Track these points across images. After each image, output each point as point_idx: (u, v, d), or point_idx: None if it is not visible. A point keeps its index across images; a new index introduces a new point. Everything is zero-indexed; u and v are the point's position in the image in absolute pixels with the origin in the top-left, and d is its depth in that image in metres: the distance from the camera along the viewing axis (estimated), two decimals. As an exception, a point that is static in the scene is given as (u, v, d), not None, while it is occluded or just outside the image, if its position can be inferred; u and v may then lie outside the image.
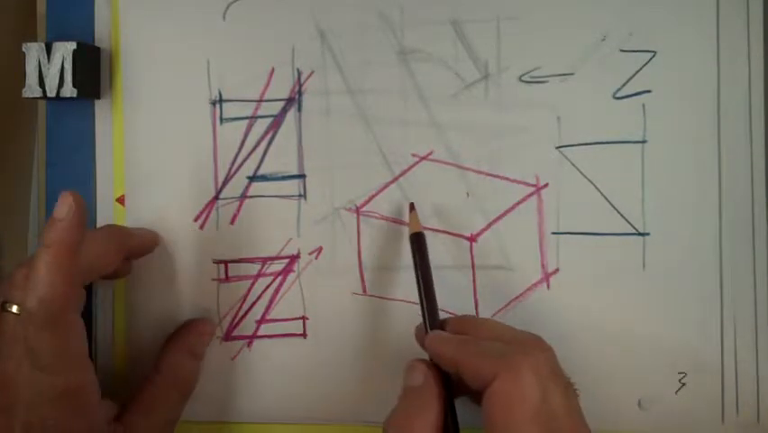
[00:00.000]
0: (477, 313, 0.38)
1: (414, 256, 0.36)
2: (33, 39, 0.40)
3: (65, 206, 0.32)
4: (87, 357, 0.33)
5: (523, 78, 0.37)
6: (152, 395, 0.36)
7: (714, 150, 0.37)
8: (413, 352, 0.38)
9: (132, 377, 0.38)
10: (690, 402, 0.37)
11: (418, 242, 0.36)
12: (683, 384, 0.37)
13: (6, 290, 0.33)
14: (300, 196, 0.39)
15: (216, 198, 0.39)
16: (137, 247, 0.37)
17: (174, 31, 0.39)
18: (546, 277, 0.38)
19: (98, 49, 0.39)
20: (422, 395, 0.32)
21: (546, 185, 0.38)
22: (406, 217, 0.38)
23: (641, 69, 0.37)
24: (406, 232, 0.38)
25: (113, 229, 0.37)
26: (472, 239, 0.38)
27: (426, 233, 0.38)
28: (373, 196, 0.38)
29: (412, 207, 0.37)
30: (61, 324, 0.32)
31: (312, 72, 0.38)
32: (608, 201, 0.37)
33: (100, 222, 0.39)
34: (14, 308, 0.32)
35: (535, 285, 0.38)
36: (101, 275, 0.35)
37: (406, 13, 0.38)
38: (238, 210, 0.39)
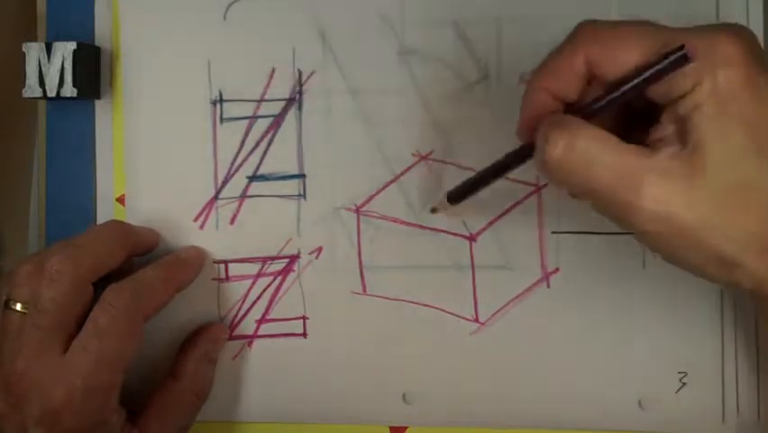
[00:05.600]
0: (476, 314, 0.38)
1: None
2: (33, 39, 0.40)
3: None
4: (115, 357, 0.33)
5: (523, 78, 0.37)
6: (170, 401, 0.36)
7: (714, 150, 0.37)
8: (413, 351, 0.38)
9: (130, 377, 0.38)
10: (690, 402, 0.37)
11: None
12: (683, 384, 0.37)
13: (8, 287, 0.33)
14: (300, 196, 0.39)
15: (216, 197, 0.39)
16: (140, 244, 0.37)
17: (174, 31, 0.39)
18: (546, 277, 0.38)
19: (98, 49, 0.39)
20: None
21: (546, 184, 0.38)
22: (406, 217, 0.38)
23: (641, 68, 0.37)
24: (405, 231, 0.38)
25: (116, 225, 0.37)
26: (472, 239, 0.38)
27: (426, 232, 0.38)
28: (373, 196, 0.38)
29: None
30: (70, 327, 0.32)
31: (312, 72, 0.38)
32: (608, 201, 0.37)
33: (100, 222, 0.39)
34: (18, 306, 0.32)
35: (535, 285, 0.38)
36: (107, 271, 0.35)
37: (406, 13, 0.38)
38: (238, 210, 0.39)
